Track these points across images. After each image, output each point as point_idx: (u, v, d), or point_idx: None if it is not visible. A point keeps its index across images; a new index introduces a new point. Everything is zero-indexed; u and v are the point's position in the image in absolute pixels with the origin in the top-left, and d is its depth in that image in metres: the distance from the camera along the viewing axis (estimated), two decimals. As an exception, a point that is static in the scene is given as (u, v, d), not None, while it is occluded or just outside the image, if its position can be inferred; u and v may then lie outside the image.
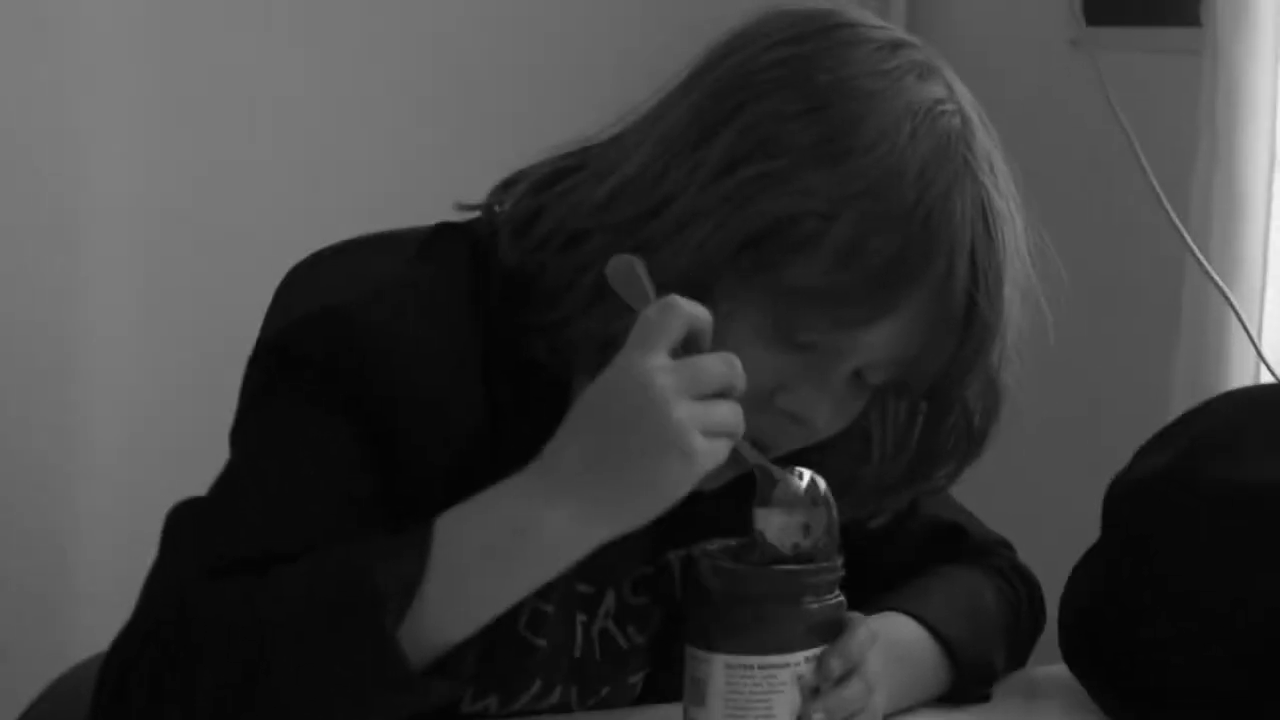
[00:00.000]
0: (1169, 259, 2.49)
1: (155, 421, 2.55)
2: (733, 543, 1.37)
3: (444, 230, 1.47)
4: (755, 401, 1.33)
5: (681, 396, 1.25)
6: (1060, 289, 1.45)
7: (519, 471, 1.30)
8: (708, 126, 1.38)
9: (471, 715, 1.47)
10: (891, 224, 1.35)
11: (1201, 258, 2.40)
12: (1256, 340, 2.40)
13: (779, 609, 1.34)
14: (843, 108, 1.37)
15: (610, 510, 1.28)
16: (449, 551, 1.28)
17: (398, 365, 1.38)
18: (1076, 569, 1.63)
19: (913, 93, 1.38)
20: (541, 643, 1.47)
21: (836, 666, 1.34)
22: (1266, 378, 2.39)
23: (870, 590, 1.41)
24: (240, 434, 1.42)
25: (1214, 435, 1.59)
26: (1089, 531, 1.62)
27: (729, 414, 1.28)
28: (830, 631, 1.35)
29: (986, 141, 1.41)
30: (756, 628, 1.33)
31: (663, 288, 1.32)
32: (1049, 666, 1.65)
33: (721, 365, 1.28)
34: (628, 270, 1.33)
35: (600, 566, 1.34)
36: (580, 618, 1.49)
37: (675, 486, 1.27)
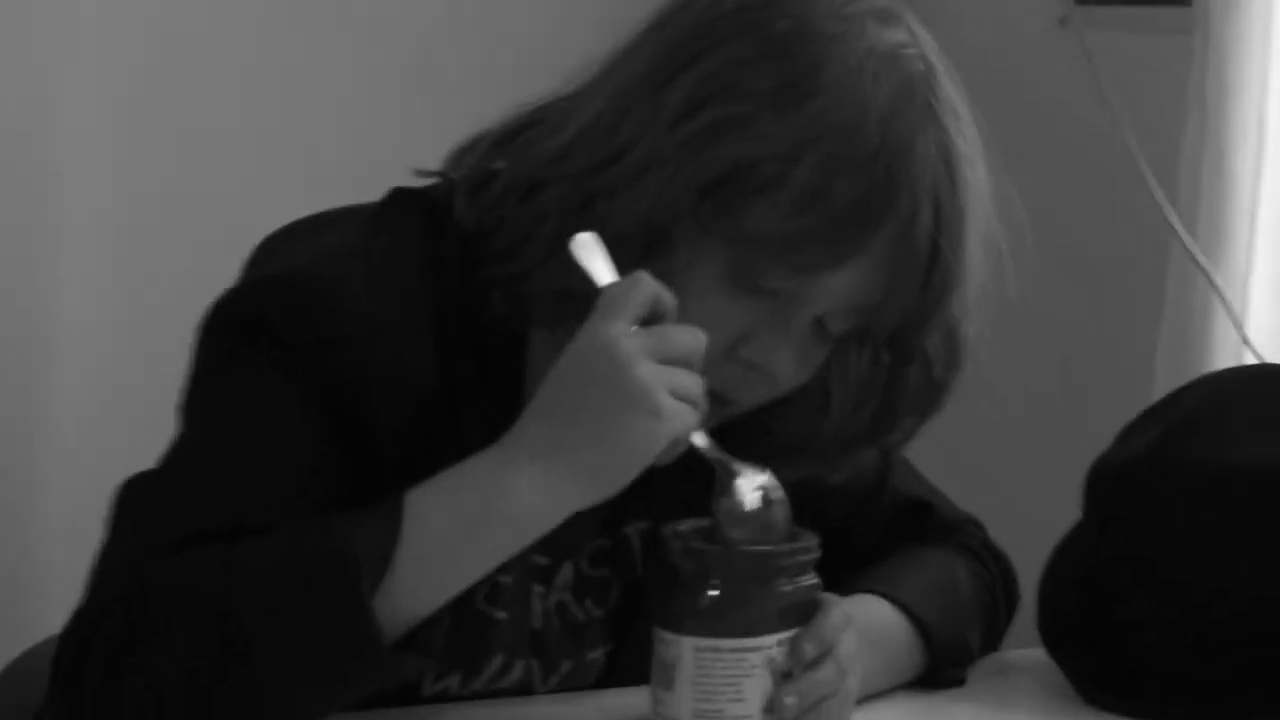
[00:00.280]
0: (1155, 240, 2.49)
1: (123, 402, 2.53)
2: (704, 523, 1.35)
3: (398, 196, 1.47)
4: (718, 353, 1.33)
5: (645, 357, 1.26)
6: (1025, 243, 1.44)
7: (490, 445, 1.29)
8: (667, 74, 1.37)
9: (433, 697, 1.46)
10: (854, 167, 1.34)
11: (1187, 239, 2.39)
12: (1240, 322, 2.39)
13: (751, 591, 1.32)
14: (803, 52, 1.36)
15: (581, 475, 1.28)
16: (421, 522, 1.28)
17: (349, 330, 1.37)
18: (1057, 550, 1.62)
19: (874, 36, 1.38)
20: (501, 614, 1.46)
21: (810, 650, 1.33)
22: (1250, 359, 2.38)
23: (838, 568, 1.40)
24: (194, 403, 1.40)
25: (1197, 417, 1.59)
26: (1070, 512, 1.61)
27: (691, 382, 1.28)
28: (804, 614, 1.33)
29: (950, 87, 1.40)
30: (727, 610, 1.31)
31: (622, 236, 1.32)
32: (1024, 650, 1.64)
33: (686, 334, 1.29)
34: (590, 247, 1.32)
35: (556, 539, 1.33)
36: (537, 589, 1.48)
37: (645, 445, 1.27)
